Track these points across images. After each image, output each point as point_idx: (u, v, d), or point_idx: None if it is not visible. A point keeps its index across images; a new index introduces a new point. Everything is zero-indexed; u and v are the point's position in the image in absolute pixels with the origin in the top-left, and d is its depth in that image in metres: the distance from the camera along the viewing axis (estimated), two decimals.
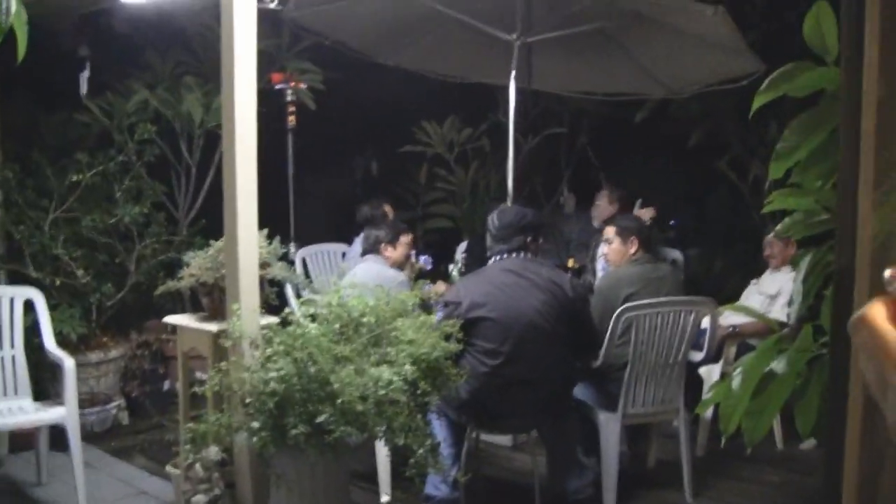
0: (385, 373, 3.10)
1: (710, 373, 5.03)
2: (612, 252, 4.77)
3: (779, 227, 2.65)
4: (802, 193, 2.52)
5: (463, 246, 6.74)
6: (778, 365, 2.36)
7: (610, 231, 4.82)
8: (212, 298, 4.07)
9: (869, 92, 1.84)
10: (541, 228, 4.11)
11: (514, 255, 3.97)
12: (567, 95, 7.05)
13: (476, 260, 4.35)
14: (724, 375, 4.58)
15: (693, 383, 4.65)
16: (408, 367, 3.16)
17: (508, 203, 5.04)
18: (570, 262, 5.82)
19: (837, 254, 2.16)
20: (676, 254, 6.34)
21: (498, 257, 4.01)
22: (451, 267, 5.84)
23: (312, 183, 7.03)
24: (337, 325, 3.32)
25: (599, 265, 5.61)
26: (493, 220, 4.07)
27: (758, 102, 2.47)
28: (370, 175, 8.23)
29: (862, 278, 1.86)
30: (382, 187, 7.67)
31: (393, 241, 5.00)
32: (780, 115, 4.58)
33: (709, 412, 4.82)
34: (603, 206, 6.24)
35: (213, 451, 3.67)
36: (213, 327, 3.94)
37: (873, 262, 1.86)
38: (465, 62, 6.21)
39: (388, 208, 6.35)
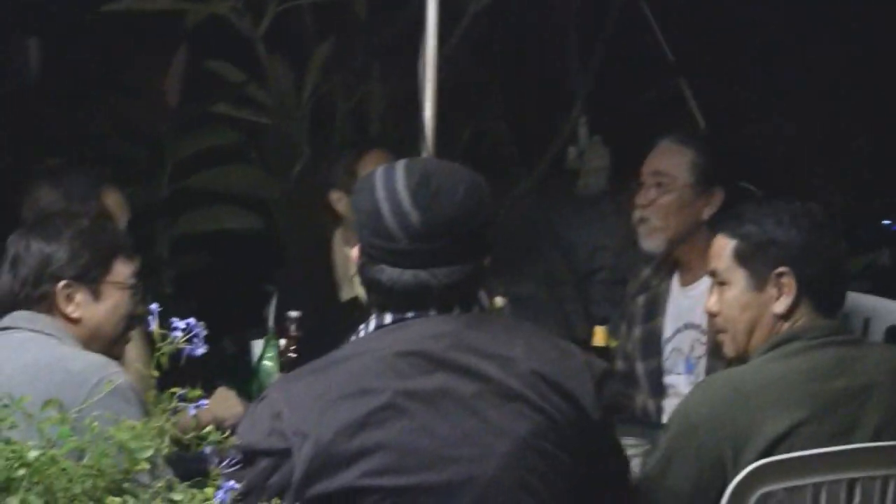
0: None
1: None
2: (724, 307, 2.35)
3: None
4: None
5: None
6: None
7: (720, 254, 2.39)
8: None
9: None
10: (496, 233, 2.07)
11: (432, 310, 1.96)
12: None
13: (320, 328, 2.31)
14: None
15: None
16: None
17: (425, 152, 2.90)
18: (599, 335, 3.13)
19: None
20: None
21: (389, 317, 1.97)
22: (255, 350, 3.20)
23: None
24: None
25: (680, 361, 3.33)
26: (382, 198, 1.92)
27: None
28: None
29: None
30: None
31: (93, 281, 2.40)
32: None
33: None
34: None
35: None
36: None
37: None
38: None
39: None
